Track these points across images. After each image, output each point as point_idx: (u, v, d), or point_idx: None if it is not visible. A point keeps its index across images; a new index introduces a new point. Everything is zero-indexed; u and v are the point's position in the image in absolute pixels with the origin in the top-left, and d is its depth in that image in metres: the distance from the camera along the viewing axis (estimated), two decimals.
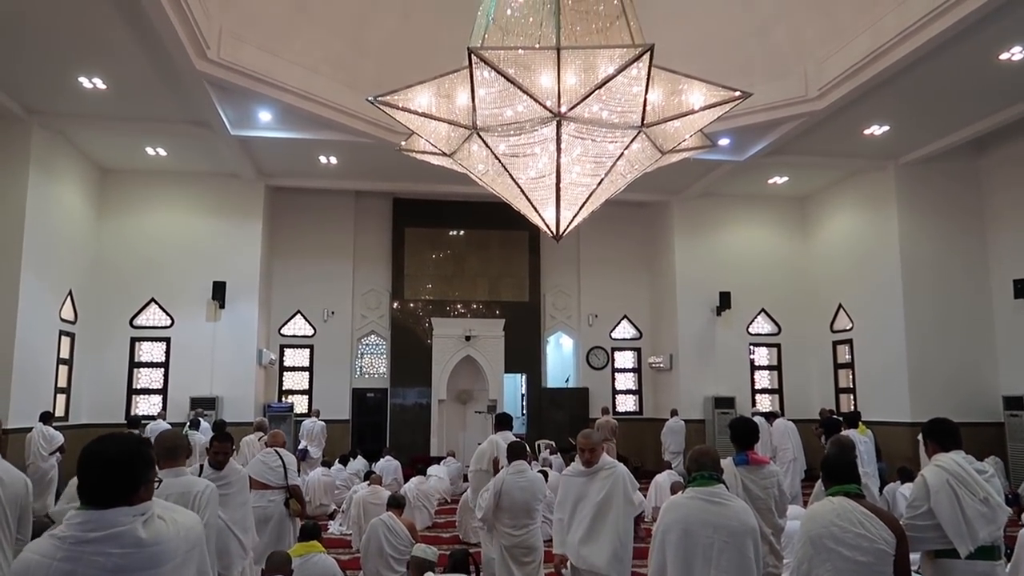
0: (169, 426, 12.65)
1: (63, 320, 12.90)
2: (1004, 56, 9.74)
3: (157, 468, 3.92)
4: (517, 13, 5.82)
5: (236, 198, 14.93)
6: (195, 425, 12.37)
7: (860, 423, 9.75)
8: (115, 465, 2.18)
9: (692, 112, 5.52)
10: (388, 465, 12.45)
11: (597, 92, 5.12)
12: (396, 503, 7.54)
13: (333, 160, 13.83)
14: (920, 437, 6.81)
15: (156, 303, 14.59)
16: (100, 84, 10.54)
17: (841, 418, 9.94)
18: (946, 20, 8.83)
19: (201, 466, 5.26)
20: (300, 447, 13.44)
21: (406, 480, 11.64)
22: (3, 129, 11.54)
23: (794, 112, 11.66)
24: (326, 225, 16.51)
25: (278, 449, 6.92)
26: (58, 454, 10.85)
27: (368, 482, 9.82)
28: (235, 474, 5.32)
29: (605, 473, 4.94)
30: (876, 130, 12.48)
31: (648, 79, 5.09)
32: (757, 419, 9.05)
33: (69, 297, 13.11)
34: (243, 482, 5.38)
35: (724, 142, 12.52)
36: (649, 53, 4.88)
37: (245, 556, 5.19)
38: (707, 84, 5.47)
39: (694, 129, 5.85)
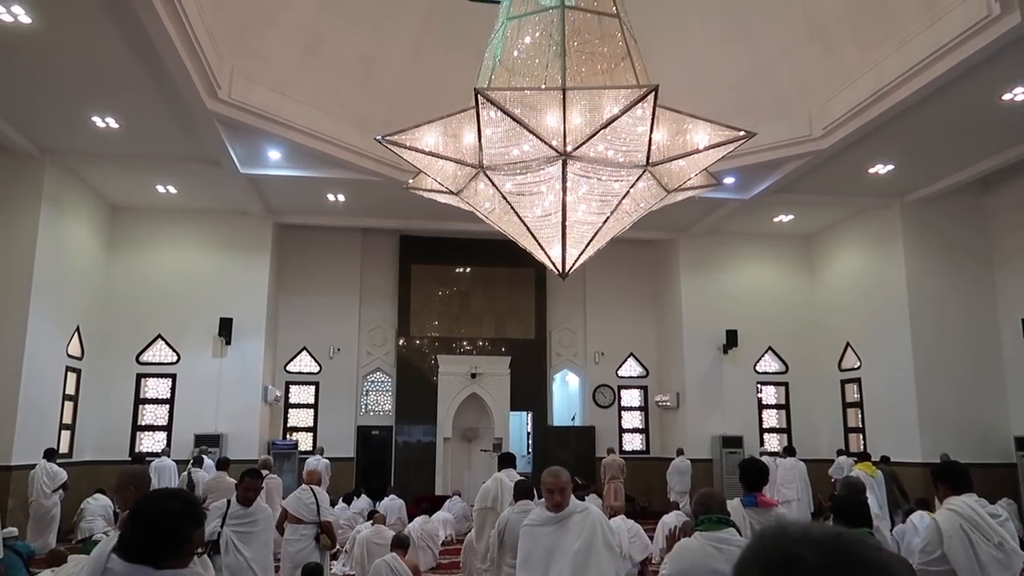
0: (173, 463, 12.60)
1: (70, 356, 12.92)
2: (1007, 97, 9.82)
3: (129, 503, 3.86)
4: (523, 55, 5.92)
5: (244, 235, 15.03)
6: (198, 463, 12.28)
7: (868, 462, 9.62)
8: (151, 527, 2.16)
9: (697, 151, 5.56)
10: (392, 504, 12.31)
11: (602, 132, 5.17)
12: (400, 543, 7.45)
13: (341, 198, 13.94)
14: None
15: (163, 339, 14.62)
16: (113, 123, 10.71)
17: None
18: (948, 62, 8.92)
19: (228, 501, 5.34)
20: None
21: (410, 519, 11.50)
22: (16, 167, 11.69)
23: (798, 151, 11.74)
24: (333, 262, 16.57)
25: (312, 486, 7.24)
26: (61, 491, 10.78)
27: (372, 521, 9.71)
28: (261, 512, 5.32)
29: (578, 518, 4.14)
30: (881, 169, 12.53)
31: (653, 119, 5.14)
32: (765, 459, 8.94)
33: (76, 333, 13.14)
34: (268, 521, 5.39)
35: (729, 180, 12.58)
36: (654, 93, 4.93)
37: None
38: (712, 124, 5.52)
39: (699, 168, 5.89)
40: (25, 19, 8.02)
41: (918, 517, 7.89)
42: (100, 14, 7.95)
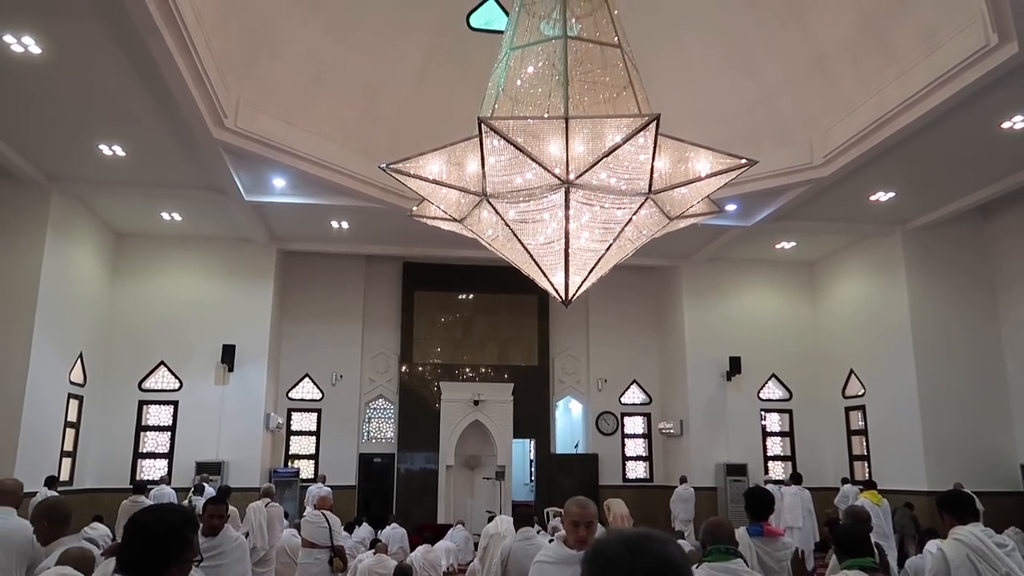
0: (173, 491, 12.52)
1: (72, 383, 12.91)
2: (1006, 125, 9.89)
3: (50, 537, 3.74)
4: (526, 84, 5.98)
5: (248, 262, 15.09)
6: (199, 491, 12.20)
7: (874, 490, 9.55)
8: (149, 537, 2.19)
9: (699, 179, 5.59)
10: (394, 533, 12.20)
11: (605, 160, 5.21)
12: (402, 573, 7.39)
13: (345, 225, 14.01)
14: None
15: (165, 366, 14.61)
16: (120, 151, 10.81)
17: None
18: (947, 90, 9.00)
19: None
20: (305, 513, 13.21)
21: (412, 548, 11.39)
22: (23, 194, 11.77)
23: (800, 179, 11.80)
24: (336, 289, 16.61)
25: (325, 512, 7.48)
26: None
27: (374, 550, 9.62)
28: (230, 542, 4.81)
29: None
30: (882, 196, 12.58)
31: (655, 147, 5.18)
32: (770, 487, 8.89)
33: (79, 360, 13.14)
34: (240, 551, 4.87)
35: (731, 208, 12.62)
36: (655, 122, 4.98)
37: None
38: (713, 151, 5.55)
39: (701, 195, 5.92)
40: (35, 49, 8.13)
41: (934, 546, 7.81)
42: (109, 45, 8.06)
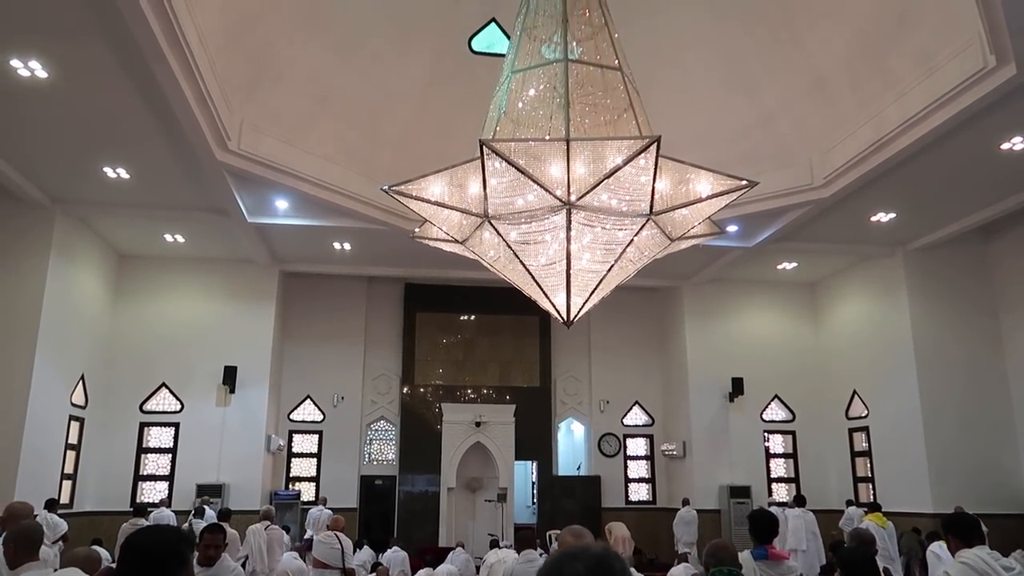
0: (172, 514, 12.44)
1: (73, 405, 12.88)
2: (1005, 146, 9.92)
3: (16, 562, 3.66)
4: (528, 106, 6.03)
5: (250, 283, 15.10)
6: (199, 513, 12.12)
7: (879, 512, 9.47)
8: (147, 556, 2.14)
9: (700, 200, 5.62)
10: (395, 556, 12.08)
11: (606, 181, 5.25)
12: None
13: (347, 246, 14.04)
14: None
15: (167, 387, 14.58)
16: (124, 173, 10.87)
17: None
18: (945, 112, 9.04)
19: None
20: (306, 536, 13.13)
21: (414, 572, 11.29)
22: (27, 215, 11.82)
23: (801, 200, 11.83)
24: (338, 310, 16.61)
25: (338, 533, 7.47)
26: (61, 543, 10.62)
27: (375, 574, 9.54)
28: (227, 573, 4.72)
29: None
30: (883, 217, 12.61)
31: (656, 169, 5.21)
32: (774, 510, 8.82)
33: (81, 382, 13.12)
34: None
35: (732, 229, 12.65)
36: (656, 144, 5.01)
37: None
38: (714, 173, 5.59)
39: (702, 217, 5.95)
40: (42, 74, 8.21)
41: (938, 547, 7.66)
42: (115, 70, 8.14)
